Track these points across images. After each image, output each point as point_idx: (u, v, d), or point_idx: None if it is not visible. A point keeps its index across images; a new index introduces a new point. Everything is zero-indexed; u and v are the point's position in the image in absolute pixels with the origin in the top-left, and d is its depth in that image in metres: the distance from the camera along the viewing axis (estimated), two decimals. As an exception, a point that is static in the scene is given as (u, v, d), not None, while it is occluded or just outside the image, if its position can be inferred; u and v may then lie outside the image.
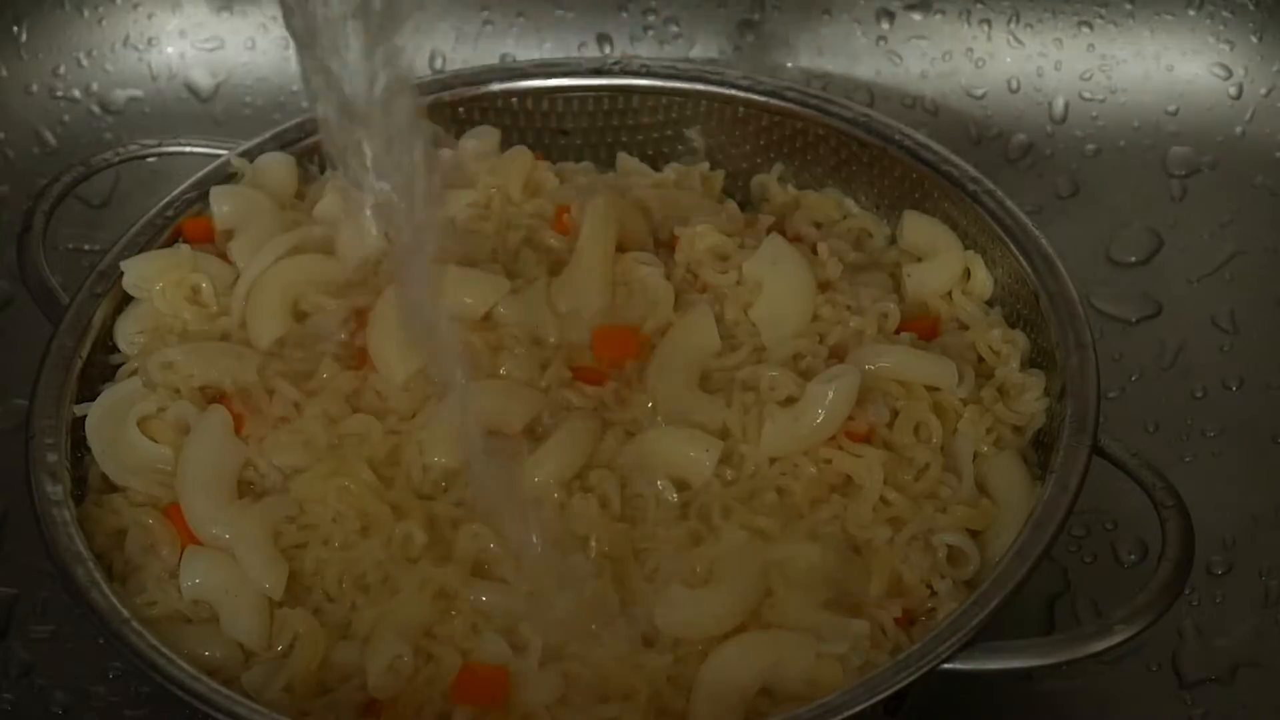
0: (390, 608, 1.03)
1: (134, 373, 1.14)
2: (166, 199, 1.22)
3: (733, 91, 1.28)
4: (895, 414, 1.09)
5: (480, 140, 1.27)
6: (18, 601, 1.20)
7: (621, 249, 1.16)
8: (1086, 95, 1.45)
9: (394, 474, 1.08)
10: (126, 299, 1.18)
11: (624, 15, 1.50)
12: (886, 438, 1.09)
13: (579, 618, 1.02)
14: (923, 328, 1.17)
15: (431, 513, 1.07)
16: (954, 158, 1.22)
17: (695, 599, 1.02)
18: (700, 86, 1.29)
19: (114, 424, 1.11)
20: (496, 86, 1.29)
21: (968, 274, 1.20)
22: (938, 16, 1.47)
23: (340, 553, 1.05)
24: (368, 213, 1.02)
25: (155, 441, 1.11)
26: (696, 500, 1.07)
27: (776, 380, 1.10)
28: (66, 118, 1.49)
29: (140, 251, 1.19)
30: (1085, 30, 1.46)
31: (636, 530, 1.05)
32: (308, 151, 1.26)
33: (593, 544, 1.05)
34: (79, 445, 1.11)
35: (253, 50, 1.51)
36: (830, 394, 1.07)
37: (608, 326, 1.14)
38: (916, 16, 1.47)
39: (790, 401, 1.09)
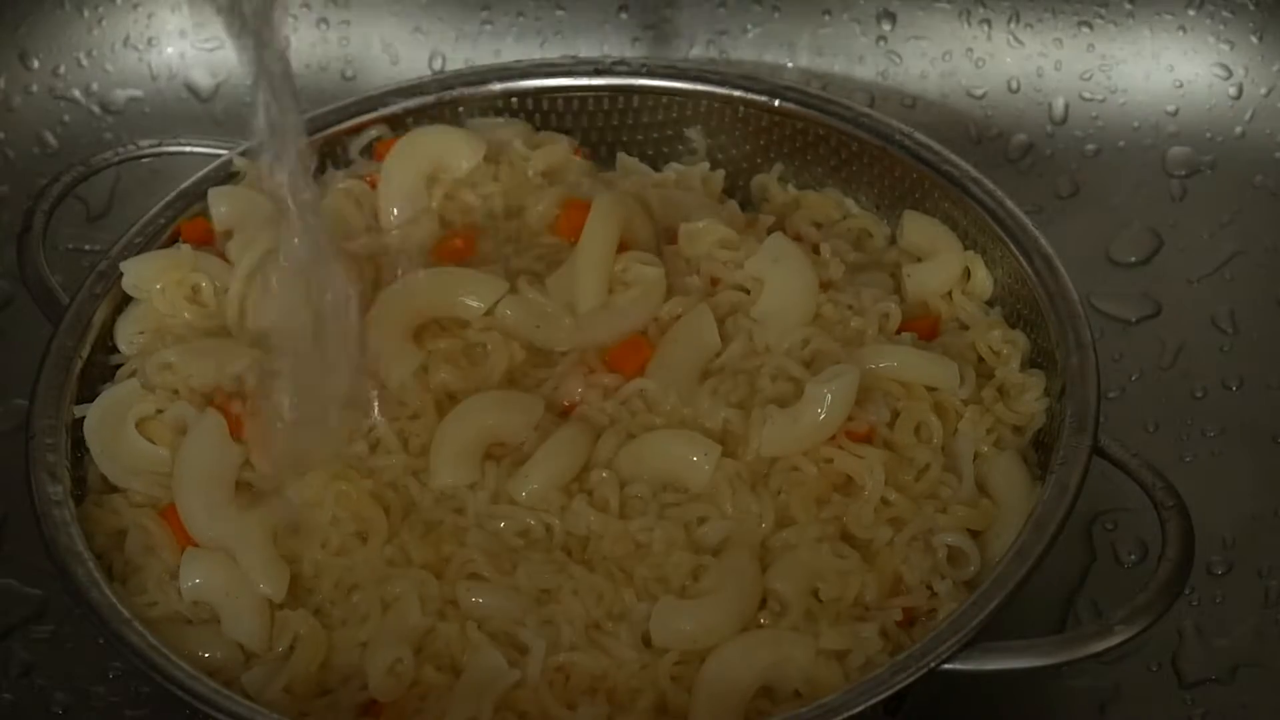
0: (387, 613, 1.03)
1: (133, 373, 1.14)
2: (166, 199, 1.22)
3: (733, 91, 1.28)
4: (896, 414, 1.09)
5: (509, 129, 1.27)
6: (18, 601, 1.20)
7: (623, 249, 1.16)
8: (1086, 95, 1.45)
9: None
10: (126, 299, 1.18)
11: (624, 15, 1.50)
12: (887, 438, 1.09)
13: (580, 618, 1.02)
14: (923, 328, 1.17)
15: (431, 517, 1.07)
16: (954, 158, 1.22)
17: (690, 610, 1.01)
18: (700, 86, 1.29)
19: (113, 425, 1.11)
20: (496, 86, 1.29)
21: (968, 274, 1.20)
22: (938, 16, 1.47)
23: (336, 558, 1.05)
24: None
25: (154, 443, 1.11)
26: (696, 502, 1.07)
27: (777, 376, 1.10)
28: (66, 118, 1.48)
29: (140, 252, 1.19)
30: (1085, 30, 1.45)
31: (635, 530, 1.05)
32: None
33: (592, 544, 1.05)
34: (79, 445, 1.11)
35: (253, 50, 1.51)
36: (830, 394, 1.07)
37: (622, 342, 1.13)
38: (918, 14, 1.47)
39: (790, 401, 1.09)
